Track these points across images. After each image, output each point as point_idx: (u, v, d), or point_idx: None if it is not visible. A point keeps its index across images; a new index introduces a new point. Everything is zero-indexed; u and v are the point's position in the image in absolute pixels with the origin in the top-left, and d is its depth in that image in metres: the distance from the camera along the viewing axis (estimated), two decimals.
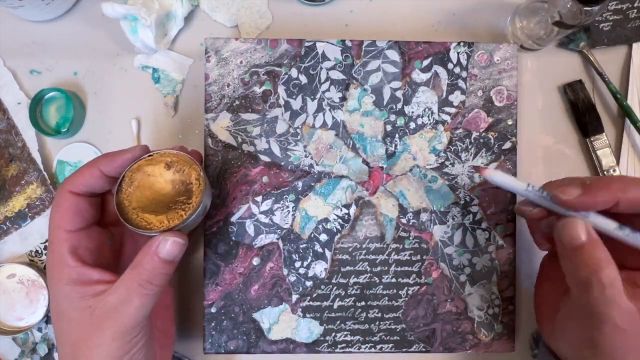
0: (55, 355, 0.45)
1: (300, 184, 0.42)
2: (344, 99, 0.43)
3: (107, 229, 0.38)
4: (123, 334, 0.31)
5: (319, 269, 0.42)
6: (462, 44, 0.43)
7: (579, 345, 0.34)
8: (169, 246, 0.32)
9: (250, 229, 0.42)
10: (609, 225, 0.34)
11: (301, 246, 0.42)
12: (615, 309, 0.32)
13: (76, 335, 0.32)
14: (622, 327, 0.32)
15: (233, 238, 0.42)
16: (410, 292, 0.43)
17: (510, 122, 0.43)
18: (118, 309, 0.31)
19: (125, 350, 0.32)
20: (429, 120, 0.43)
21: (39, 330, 0.45)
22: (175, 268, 0.33)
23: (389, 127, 0.43)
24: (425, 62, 0.43)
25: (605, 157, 0.46)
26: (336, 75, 0.43)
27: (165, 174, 0.35)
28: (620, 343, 0.32)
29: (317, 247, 0.42)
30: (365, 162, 0.43)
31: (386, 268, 0.42)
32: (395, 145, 0.43)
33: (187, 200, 0.34)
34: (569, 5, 0.39)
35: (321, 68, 0.43)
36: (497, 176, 0.36)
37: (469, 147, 0.43)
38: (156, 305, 0.39)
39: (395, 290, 0.42)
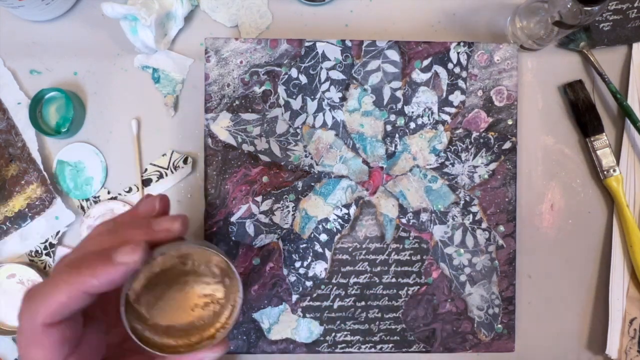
0: None
1: (300, 184, 0.42)
2: (344, 99, 0.43)
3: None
4: None
5: (319, 269, 0.42)
6: (462, 44, 0.43)
7: None
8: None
9: (250, 229, 0.42)
10: None
11: (301, 246, 0.42)
12: None
13: None
14: None
15: (233, 238, 0.42)
16: (410, 292, 0.43)
17: (510, 122, 0.43)
18: None
19: None
20: (429, 120, 0.43)
21: None
22: None
23: (389, 127, 0.43)
24: (425, 62, 0.43)
25: (605, 157, 0.46)
26: (336, 75, 0.43)
27: (193, 282, 0.30)
28: None
29: (317, 247, 0.42)
30: (365, 162, 0.43)
31: (386, 268, 0.42)
32: (395, 145, 0.43)
33: (216, 319, 0.29)
34: (569, 5, 0.39)
35: (321, 68, 0.43)
36: None
37: (469, 147, 0.43)
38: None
39: (395, 290, 0.42)
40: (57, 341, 0.25)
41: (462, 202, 0.43)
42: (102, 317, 0.29)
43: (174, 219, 0.29)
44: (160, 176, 0.45)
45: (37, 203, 0.45)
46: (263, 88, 0.42)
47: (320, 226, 0.42)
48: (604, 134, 0.46)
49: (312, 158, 0.42)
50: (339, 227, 0.42)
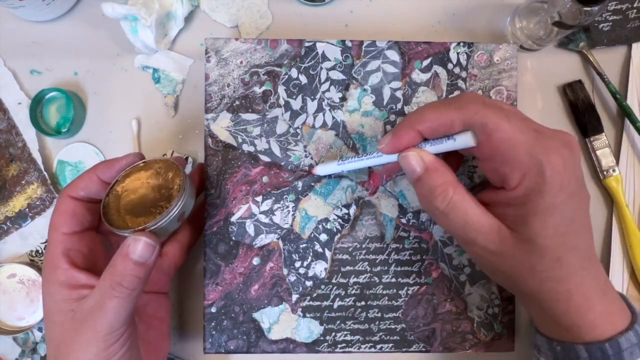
0: None
1: (300, 184, 0.42)
2: (344, 99, 0.43)
3: (106, 236, 0.38)
4: (98, 339, 0.31)
5: (319, 268, 0.42)
6: (462, 44, 0.43)
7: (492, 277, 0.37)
8: (140, 247, 0.31)
9: (250, 229, 0.42)
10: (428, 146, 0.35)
11: (301, 246, 0.42)
12: (472, 231, 0.32)
13: (59, 338, 0.32)
14: (491, 249, 0.32)
15: (233, 238, 0.42)
16: (410, 292, 0.43)
17: None
18: (93, 313, 0.31)
19: (102, 357, 0.31)
20: None
21: (40, 330, 0.45)
22: (148, 273, 0.33)
23: (389, 127, 0.43)
24: (425, 62, 0.43)
25: (605, 157, 0.46)
26: (336, 75, 0.43)
27: (152, 180, 0.35)
28: (502, 264, 0.33)
29: (317, 247, 0.42)
30: None
31: (386, 268, 0.43)
32: None
33: (167, 204, 0.34)
34: (568, 6, 0.39)
35: (321, 68, 0.43)
36: (319, 169, 0.40)
37: None
38: (150, 317, 0.39)
39: (395, 290, 0.43)
40: (69, 209, 0.34)
41: None
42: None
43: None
44: None
45: (37, 203, 0.45)
46: (263, 88, 0.42)
47: (320, 226, 0.42)
48: (603, 134, 0.46)
49: (312, 158, 0.43)
50: (339, 227, 0.42)
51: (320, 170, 0.40)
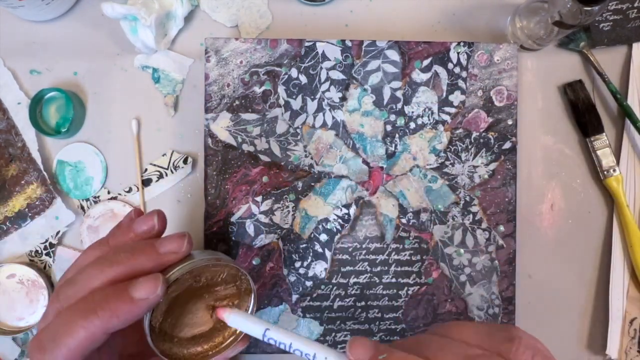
0: None
1: (300, 184, 0.42)
2: (344, 99, 0.43)
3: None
4: None
5: (319, 269, 0.42)
6: (462, 44, 0.43)
7: None
8: None
9: (250, 229, 0.42)
10: None
11: (301, 246, 0.42)
12: None
13: None
14: None
15: (233, 238, 0.42)
16: (410, 292, 0.43)
17: (510, 122, 0.43)
18: None
19: None
20: (429, 120, 0.43)
21: None
22: None
23: (389, 127, 0.43)
24: (425, 62, 0.43)
25: (605, 157, 0.46)
26: (336, 75, 0.43)
27: (208, 293, 0.31)
28: None
29: (317, 247, 0.42)
30: (365, 162, 0.43)
31: (386, 268, 0.42)
32: (395, 145, 0.43)
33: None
34: (569, 5, 0.39)
35: (321, 68, 0.43)
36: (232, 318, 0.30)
37: (469, 147, 0.43)
38: None
39: (395, 290, 0.42)
40: None
41: (462, 202, 0.43)
42: (116, 336, 0.27)
43: (180, 239, 0.28)
44: (160, 176, 0.45)
45: (37, 203, 0.45)
46: (263, 88, 0.42)
47: (320, 226, 0.42)
48: (604, 133, 0.46)
49: (312, 158, 0.42)
50: (339, 227, 0.42)
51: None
